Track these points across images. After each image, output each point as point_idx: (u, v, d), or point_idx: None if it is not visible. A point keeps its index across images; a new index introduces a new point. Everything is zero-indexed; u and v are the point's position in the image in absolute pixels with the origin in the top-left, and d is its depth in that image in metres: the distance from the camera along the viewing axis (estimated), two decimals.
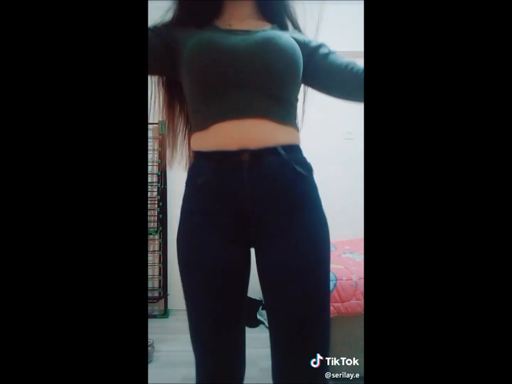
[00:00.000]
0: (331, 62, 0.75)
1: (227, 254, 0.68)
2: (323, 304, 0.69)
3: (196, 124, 0.72)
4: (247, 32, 0.71)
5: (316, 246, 0.68)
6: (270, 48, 0.67)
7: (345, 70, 0.74)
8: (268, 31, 0.73)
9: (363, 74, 0.71)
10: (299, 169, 0.68)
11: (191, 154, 0.83)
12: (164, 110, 0.83)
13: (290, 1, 0.79)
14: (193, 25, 0.73)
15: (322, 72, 0.76)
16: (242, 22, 0.75)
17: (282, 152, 0.67)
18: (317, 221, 0.70)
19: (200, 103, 0.70)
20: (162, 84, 0.82)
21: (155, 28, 0.74)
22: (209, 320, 0.69)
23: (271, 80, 0.68)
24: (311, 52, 0.75)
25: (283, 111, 0.70)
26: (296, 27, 0.81)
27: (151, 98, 0.81)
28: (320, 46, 0.77)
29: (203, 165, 0.69)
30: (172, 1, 0.75)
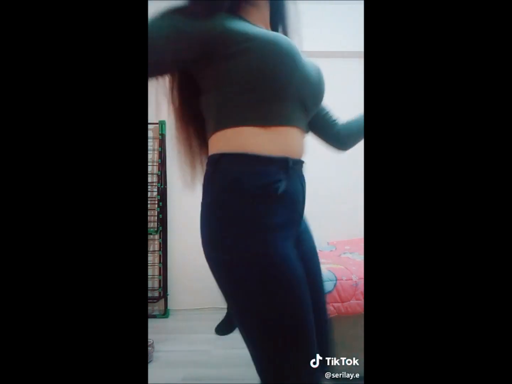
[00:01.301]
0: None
1: (295, 256, 0.69)
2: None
3: (248, 117, 0.66)
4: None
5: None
6: (321, 76, 0.78)
7: (324, 117, 0.91)
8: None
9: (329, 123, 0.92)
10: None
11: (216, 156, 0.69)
12: (177, 122, 0.80)
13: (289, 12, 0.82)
14: (222, 10, 0.66)
15: None
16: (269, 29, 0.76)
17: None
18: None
19: (258, 98, 0.66)
20: (171, 88, 0.78)
21: (191, 22, 0.63)
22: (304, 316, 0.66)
23: (317, 104, 0.79)
24: None
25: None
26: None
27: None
28: None
29: (274, 172, 0.65)
30: None
